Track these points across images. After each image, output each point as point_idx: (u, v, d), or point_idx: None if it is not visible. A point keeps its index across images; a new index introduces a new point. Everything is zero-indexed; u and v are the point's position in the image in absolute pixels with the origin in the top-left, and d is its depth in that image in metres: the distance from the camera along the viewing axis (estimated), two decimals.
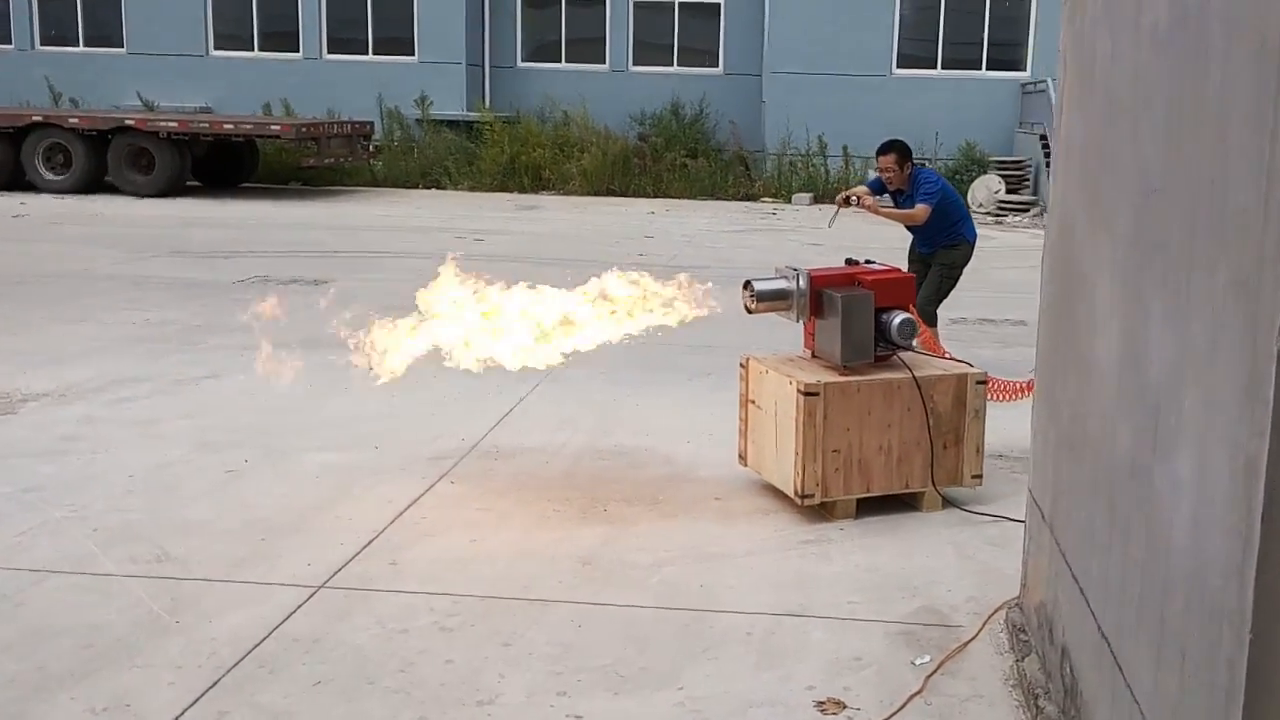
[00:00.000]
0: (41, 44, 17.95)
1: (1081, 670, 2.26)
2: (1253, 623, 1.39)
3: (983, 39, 16.36)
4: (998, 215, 14.15)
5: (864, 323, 3.72)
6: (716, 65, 17.59)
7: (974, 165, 15.33)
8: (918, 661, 2.92)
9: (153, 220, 12.17)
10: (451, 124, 16.70)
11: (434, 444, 4.69)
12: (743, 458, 4.19)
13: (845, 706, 2.71)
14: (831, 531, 3.79)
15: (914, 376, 3.78)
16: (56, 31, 17.92)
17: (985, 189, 14.62)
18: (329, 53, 17.46)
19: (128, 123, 14.19)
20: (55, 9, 17.93)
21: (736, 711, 2.69)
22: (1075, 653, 2.31)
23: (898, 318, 3.76)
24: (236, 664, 2.85)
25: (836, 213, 5.78)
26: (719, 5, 17.42)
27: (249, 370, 5.91)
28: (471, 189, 16.01)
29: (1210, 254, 1.62)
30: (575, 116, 16.48)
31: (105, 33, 17.77)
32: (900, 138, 5.67)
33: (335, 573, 3.43)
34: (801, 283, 3.83)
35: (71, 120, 14.37)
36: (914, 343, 3.87)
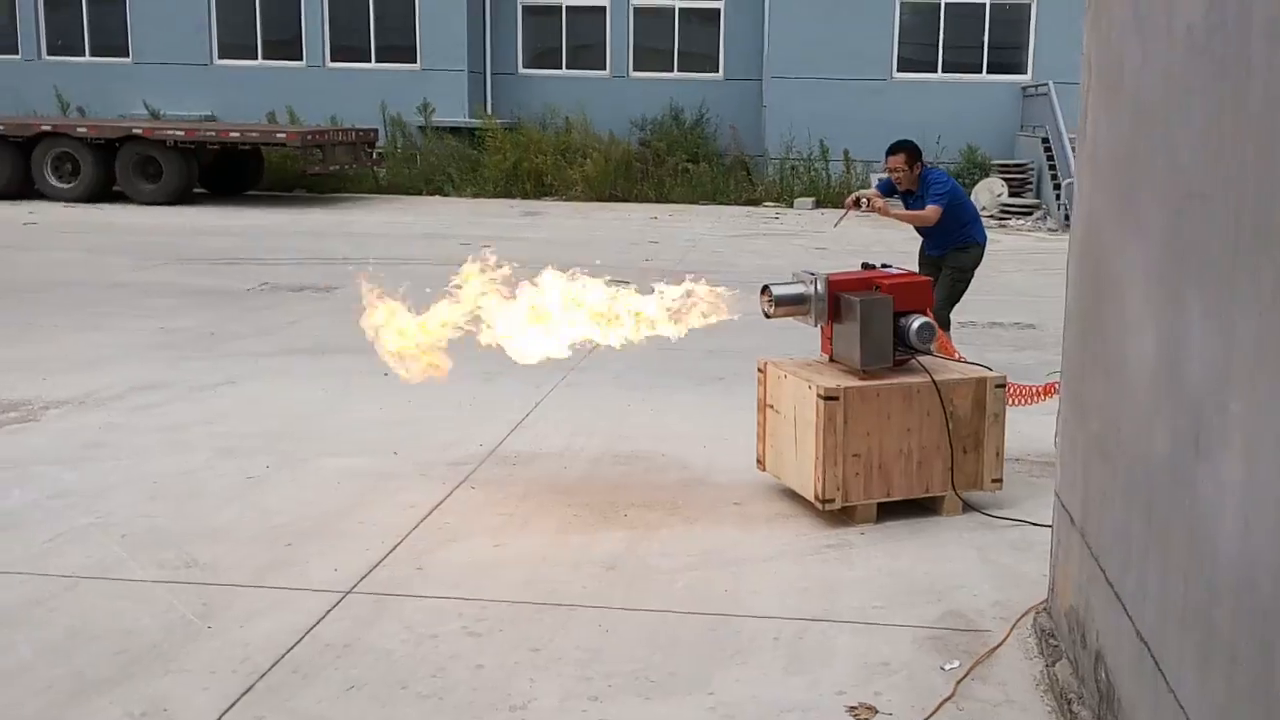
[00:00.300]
0: (49, 53, 17.89)
1: (1118, 675, 2.24)
2: None
3: (983, 42, 16.31)
4: (1000, 218, 14.10)
5: (883, 327, 3.70)
6: (716, 70, 17.57)
7: (975, 169, 15.29)
8: (947, 666, 2.89)
9: (161, 228, 12.12)
10: (454, 131, 16.67)
11: (452, 449, 4.67)
12: (761, 462, 4.16)
13: (877, 712, 2.68)
14: (852, 536, 3.76)
15: (933, 380, 3.75)
16: (63, 41, 17.87)
17: (988, 192, 14.57)
18: (332, 61, 17.44)
19: (135, 131, 14.14)
20: (62, 19, 17.87)
21: (768, 717, 2.67)
22: (1111, 657, 2.29)
23: (916, 322, 3.74)
24: (270, 669, 2.84)
25: (845, 214, 5.71)
26: (719, 11, 17.41)
27: (264, 376, 5.94)
28: (475, 196, 15.98)
29: (1255, 257, 1.61)
30: (576, 123, 16.45)
31: (111, 42, 17.72)
32: (909, 138, 5.62)
33: (362, 578, 3.41)
34: (819, 287, 3.81)
35: (80, 129, 14.32)
36: (932, 346, 3.84)
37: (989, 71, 16.38)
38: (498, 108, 17.33)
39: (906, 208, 5.54)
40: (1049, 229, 13.67)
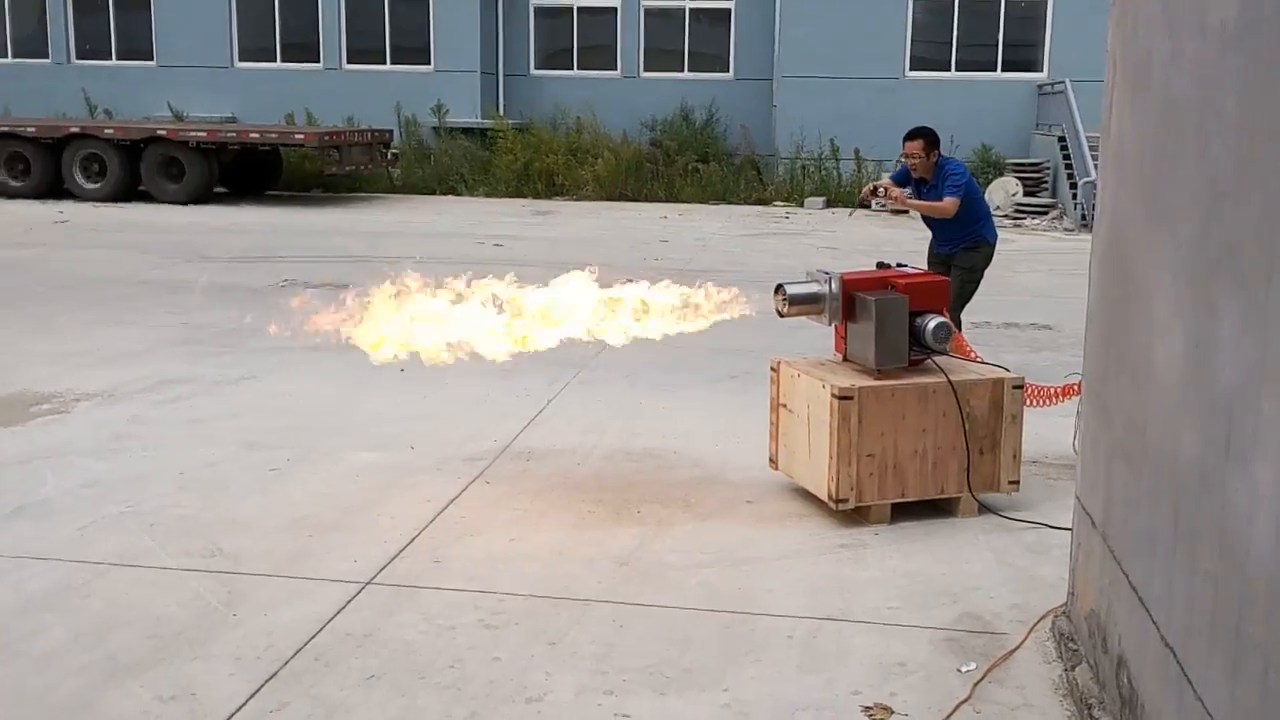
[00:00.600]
0: (77, 57, 17.89)
1: (1141, 681, 2.16)
2: None
3: (997, 40, 15.89)
4: (1015, 218, 13.78)
5: (898, 326, 3.61)
6: (727, 70, 17.35)
7: (990, 168, 14.88)
8: (964, 669, 2.81)
9: (184, 227, 12.10)
10: (466, 132, 16.61)
11: (467, 444, 4.61)
12: (773, 461, 4.07)
13: (893, 712, 2.61)
14: (866, 536, 3.68)
15: (950, 381, 3.66)
16: (91, 45, 17.86)
17: (1003, 191, 14.20)
18: (348, 63, 17.38)
19: (159, 133, 14.12)
20: (89, 23, 17.86)
21: (783, 715, 2.61)
22: (1134, 663, 2.20)
23: (932, 321, 3.64)
24: (293, 656, 2.82)
25: (860, 204, 5.55)
26: (729, 11, 17.25)
27: (285, 371, 5.90)
28: (487, 195, 15.91)
29: None
30: (587, 123, 16.31)
31: (137, 46, 17.70)
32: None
33: (381, 569, 3.37)
34: (834, 286, 3.72)
35: (107, 131, 14.30)
36: (948, 346, 3.75)
37: (1004, 69, 15.96)
38: (509, 108, 17.24)
39: (921, 198, 5.33)
40: (1065, 229, 13.36)
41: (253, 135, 14.35)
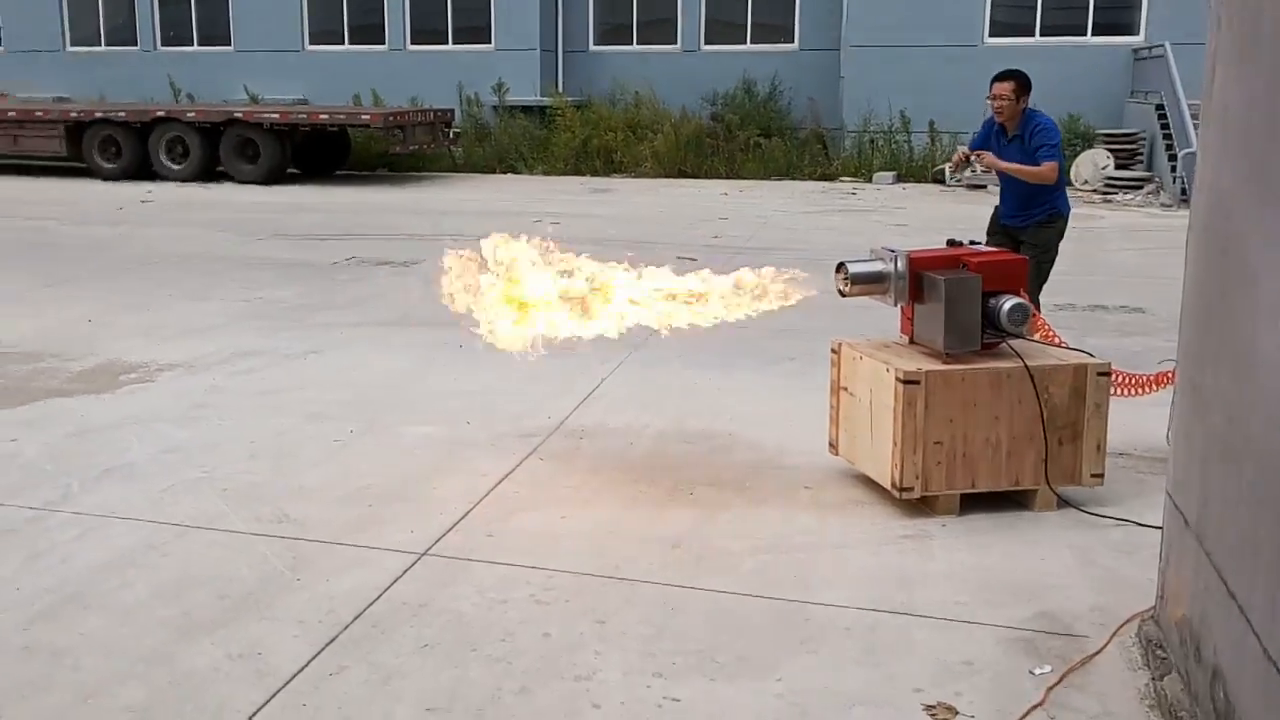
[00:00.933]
0: (163, 45, 18.23)
1: (1239, 695, 1.93)
2: None
3: (1088, 1, 14.58)
4: (1105, 193, 12.68)
5: (969, 308, 3.33)
6: (791, 41, 16.55)
7: (1078, 139, 13.52)
8: (1037, 671, 2.58)
9: (259, 206, 12.25)
10: (525, 110, 16.44)
11: (522, 421, 4.52)
12: (833, 446, 3.84)
13: (957, 713, 2.41)
14: (932, 527, 3.44)
15: (1026, 366, 3.37)
16: (175, 33, 18.18)
17: (1091, 165, 13.04)
18: (412, 44, 17.36)
19: (236, 115, 14.30)
20: (173, 13, 18.14)
21: (840, 708, 2.44)
22: (1231, 676, 1.98)
23: (1008, 303, 3.35)
24: (352, 622, 2.82)
25: (955, 168, 4.97)
26: None
27: (349, 346, 5.91)
28: (545, 173, 15.72)
29: None
30: (646, 98, 15.79)
31: (216, 32, 17.95)
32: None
33: (436, 541, 3.32)
34: (900, 265, 3.45)
35: (189, 114, 14.53)
36: (1025, 329, 3.45)
37: (1095, 33, 14.55)
38: (568, 85, 16.93)
39: (1003, 147, 4.84)
40: (1162, 204, 12.29)
41: (322, 116, 14.45)
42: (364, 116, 14.48)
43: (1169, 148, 12.74)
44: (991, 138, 4.93)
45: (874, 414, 3.53)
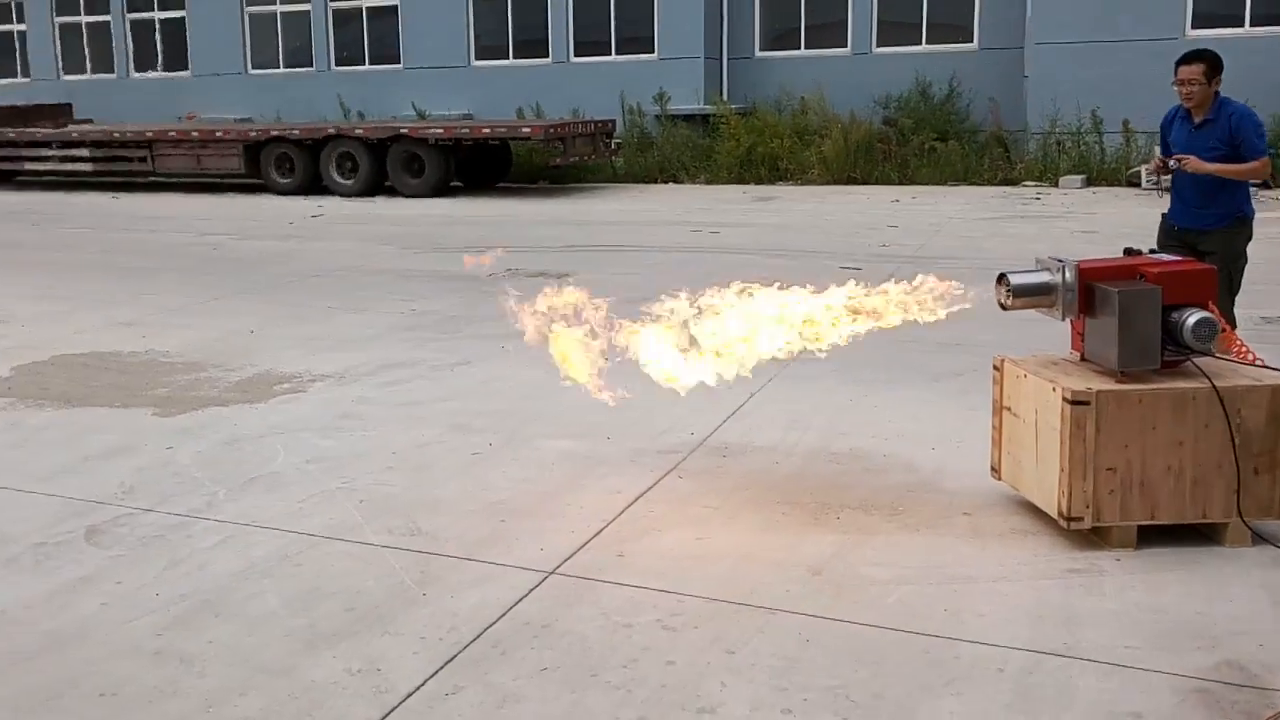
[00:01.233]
0: (336, 65, 20.05)
1: None
2: None
3: None
4: None
5: (1148, 322, 3.15)
6: (970, 40, 16.25)
7: None
8: None
9: (421, 219, 13.17)
10: (688, 118, 16.76)
11: (663, 437, 4.62)
12: (995, 470, 3.72)
13: None
14: (1105, 561, 3.26)
15: (1214, 386, 3.15)
16: (348, 54, 19.96)
17: None
18: (575, 56, 18.14)
19: (402, 131, 15.47)
20: (346, 34, 19.96)
21: None
22: None
23: (1193, 316, 3.14)
24: (472, 641, 2.94)
25: (1158, 175, 4.66)
26: None
27: (498, 358, 6.22)
28: (708, 182, 15.99)
29: None
30: (813, 103, 15.88)
31: (385, 51, 19.54)
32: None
33: (565, 560, 3.44)
34: (1068, 276, 3.30)
35: (358, 131, 15.89)
36: (1212, 345, 3.22)
37: None
38: (733, 93, 17.18)
39: (1189, 143, 4.53)
40: None
41: (484, 130, 15.37)
42: (525, 129, 15.27)
43: None
44: (1176, 128, 4.64)
45: (1039, 436, 3.38)
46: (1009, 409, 3.58)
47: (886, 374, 5.37)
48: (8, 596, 3.28)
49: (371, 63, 19.69)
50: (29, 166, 17.87)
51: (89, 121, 18.93)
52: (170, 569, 3.45)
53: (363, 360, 6.15)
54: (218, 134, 16.58)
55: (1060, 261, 3.37)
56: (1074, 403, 3.19)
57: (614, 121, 16.54)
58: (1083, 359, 3.46)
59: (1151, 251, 3.48)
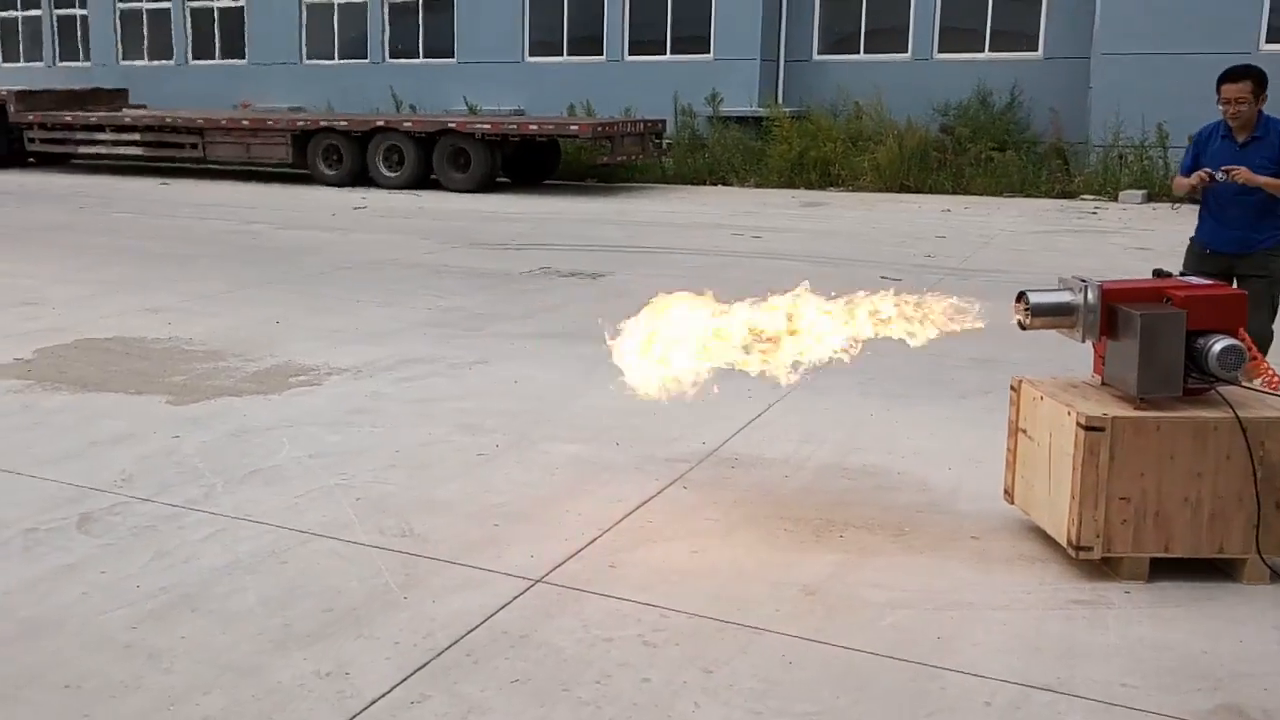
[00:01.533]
0: (390, 57, 20.41)
1: None
2: None
3: None
4: None
5: (1170, 347, 3.02)
6: (1035, 49, 15.97)
7: None
8: None
9: (462, 214, 13.31)
10: (741, 120, 16.69)
11: (673, 445, 4.57)
12: (1008, 493, 3.61)
13: None
14: (1113, 594, 3.13)
15: (1237, 416, 3.02)
16: (402, 45, 20.31)
17: None
18: (630, 54, 18.19)
19: (450, 125, 15.66)
20: (401, 27, 20.30)
21: None
22: None
23: (1219, 344, 3.01)
24: (447, 649, 2.91)
25: (1204, 188, 4.55)
26: None
27: (517, 357, 6.23)
28: (758, 186, 15.90)
29: None
30: (869, 108, 15.76)
31: (440, 45, 19.84)
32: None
33: (554, 568, 3.40)
34: (1090, 296, 3.19)
35: (405, 124, 16.12)
36: (1239, 374, 3.09)
37: None
38: (789, 96, 17.10)
39: (1231, 161, 4.42)
40: None
41: (531, 127, 15.47)
42: (573, 127, 15.34)
43: None
44: (1217, 145, 4.52)
45: (1053, 461, 3.26)
46: (1024, 431, 3.46)
47: (907, 389, 5.24)
48: None
49: (426, 56, 19.99)
50: (83, 150, 18.52)
51: (143, 107, 19.57)
52: (156, 560, 3.47)
53: (383, 355, 6.20)
54: (269, 122, 16.97)
55: (1083, 281, 3.25)
56: (1088, 428, 3.07)
57: (664, 121, 16.54)
58: (1103, 383, 3.33)
59: (1181, 274, 3.33)
